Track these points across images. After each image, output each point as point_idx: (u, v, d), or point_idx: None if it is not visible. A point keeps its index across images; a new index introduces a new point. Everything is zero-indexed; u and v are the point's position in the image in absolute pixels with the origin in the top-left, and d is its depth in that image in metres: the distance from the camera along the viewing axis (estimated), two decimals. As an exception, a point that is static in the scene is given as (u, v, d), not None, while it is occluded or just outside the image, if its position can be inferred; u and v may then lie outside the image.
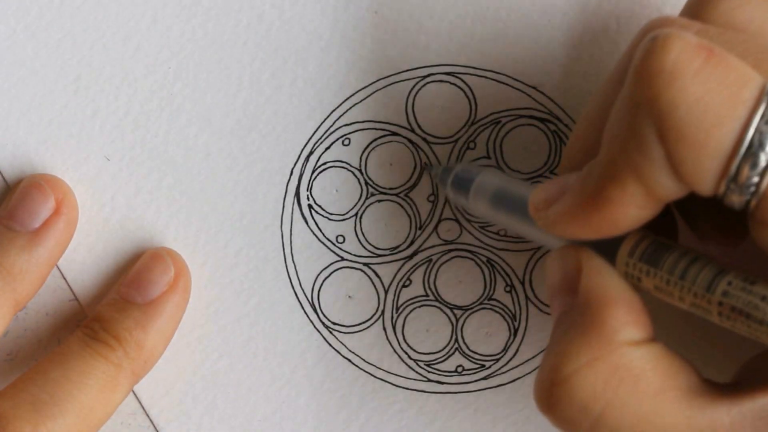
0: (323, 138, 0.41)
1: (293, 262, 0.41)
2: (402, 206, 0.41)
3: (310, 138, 0.41)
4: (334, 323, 0.41)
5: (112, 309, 0.39)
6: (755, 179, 0.28)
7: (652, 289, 0.31)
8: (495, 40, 0.40)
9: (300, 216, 0.41)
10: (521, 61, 0.40)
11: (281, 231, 0.41)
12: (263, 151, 0.41)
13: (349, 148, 0.41)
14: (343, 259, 0.41)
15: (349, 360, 0.41)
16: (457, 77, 0.41)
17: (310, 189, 0.41)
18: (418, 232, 0.41)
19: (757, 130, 0.28)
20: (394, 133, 0.41)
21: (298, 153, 0.41)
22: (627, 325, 0.31)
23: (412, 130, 0.41)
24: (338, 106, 0.41)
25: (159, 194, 0.41)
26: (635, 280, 0.32)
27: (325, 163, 0.41)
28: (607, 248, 0.32)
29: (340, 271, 0.41)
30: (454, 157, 0.41)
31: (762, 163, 0.28)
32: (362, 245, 0.41)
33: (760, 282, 0.29)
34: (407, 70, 0.40)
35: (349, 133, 0.41)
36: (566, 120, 0.40)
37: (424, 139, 0.41)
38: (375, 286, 0.41)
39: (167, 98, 0.41)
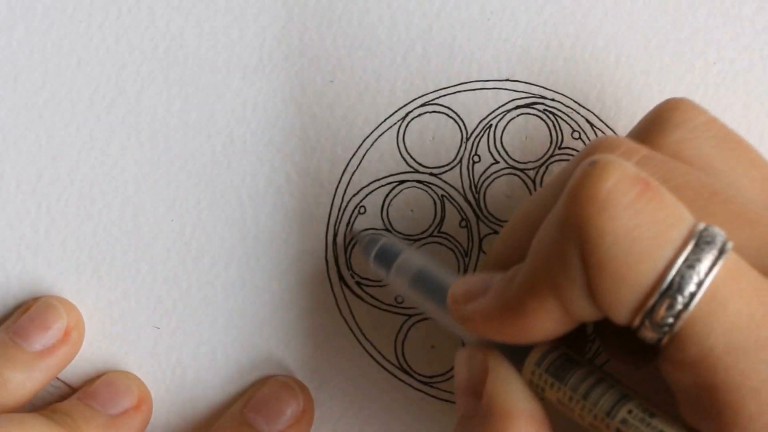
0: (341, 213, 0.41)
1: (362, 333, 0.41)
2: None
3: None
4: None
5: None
6: (670, 320, 0.28)
7: (554, 402, 0.32)
8: (450, 57, 0.40)
9: (352, 294, 0.41)
10: (483, 62, 0.40)
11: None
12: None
13: (366, 216, 0.41)
14: (410, 316, 0.41)
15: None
16: (434, 104, 0.41)
17: (350, 264, 0.41)
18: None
19: (678, 272, 0.28)
20: (402, 181, 0.41)
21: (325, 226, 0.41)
22: None
23: (416, 171, 0.41)
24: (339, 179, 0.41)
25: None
26: (539, 390, 0.32)
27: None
28: (516, 352, 0.32)
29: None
30: (465, 178, 0.41)
31: (678, 305, 0.28)
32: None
33: (659, 416, 0.30)
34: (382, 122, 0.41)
35: (362, 200, 0.41)
36: (550, 95, 0.41)
37: (432, 174, 0.41)
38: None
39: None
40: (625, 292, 0.28)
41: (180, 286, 0.41)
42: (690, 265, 0.28)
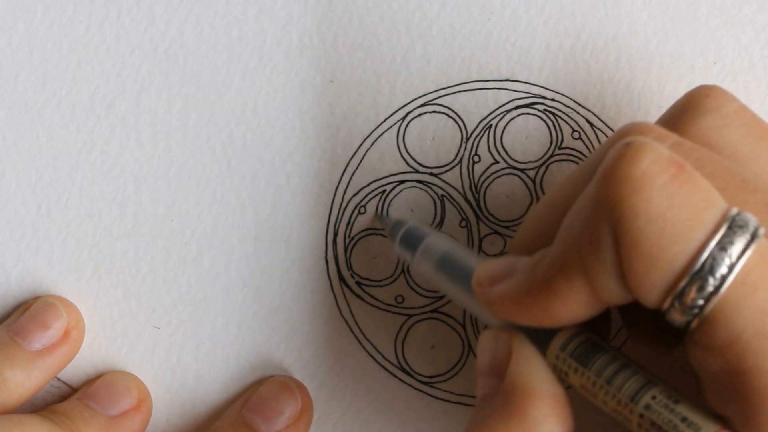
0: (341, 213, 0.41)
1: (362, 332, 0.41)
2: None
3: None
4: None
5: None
6: (700, 302, 0.28)
7: (577, 387, 0.32)
8: (450, 57, 0.41)
9: (352, 293, 0.41)
10: (483, 62, 0.40)
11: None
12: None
13: (366, 216, 0.41)
14: (410, 316, 0.41)
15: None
16: (434, 104, 0.41)
17: (350, 264, 0.41)
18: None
19: (710, 254, 0.28)
20: (402, 181, 0.41)
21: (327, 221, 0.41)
22: (549, 417, 0.31)
23: (416, 171, 0.41)
24: (339, 180, 0.41)
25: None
26: (563, 374, 0.32)
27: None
28: (540, 336, 0.32)
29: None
30: (465, 178, 0.41)
31: (709, 287, 0.28)
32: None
33: (684, 402, 0.30)
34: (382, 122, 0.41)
35: (362, 200, 0.41)
36: (550, 95, 0.41)
37: (432, 174, 0.41)
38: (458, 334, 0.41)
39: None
40: (656, 272, 0.28)
41: (180, 286, 0.41)
42: (722, 247, 0.28)
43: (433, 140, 0.41)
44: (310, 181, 0.41)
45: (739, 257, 0.28)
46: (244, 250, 0.41)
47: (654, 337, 0.33)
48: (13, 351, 0.39)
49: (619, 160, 0.29)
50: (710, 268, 0.28)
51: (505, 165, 0.41)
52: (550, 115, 0.41)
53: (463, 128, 0.41)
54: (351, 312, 0.41)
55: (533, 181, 0.41)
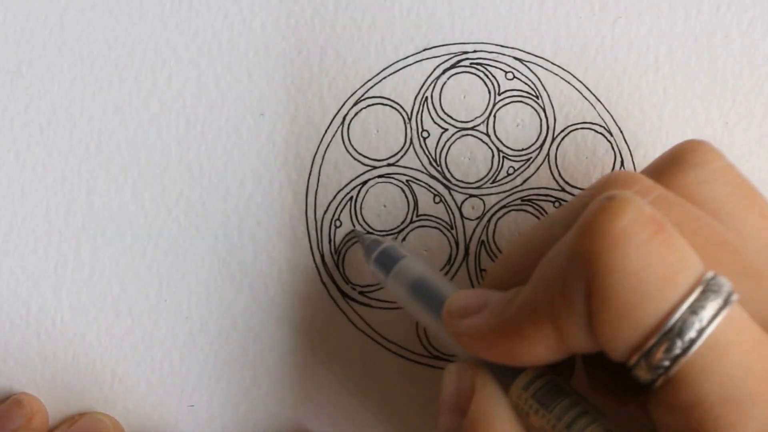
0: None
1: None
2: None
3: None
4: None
5: None
6: (666, 363, 0.28)
7: (537, 428, 0.31)
8: (363, 48, 0.40)
9: (359, 304, 0.41)
10: (396, 41, 0.40)
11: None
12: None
13: (343, 228, 0.41)
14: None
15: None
16: (366, 99, 0.41)
17: (347, 278, 0.41)
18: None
19: (681, 317, 0.28)
20: (365, 182, 0.41)
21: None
22: None
23: (374, 167, 0.41)
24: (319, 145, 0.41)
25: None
26: (524, 414, 0.32)
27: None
28: (505, 372, 0.32)
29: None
30: (423, 156, 0.41)
31: (677, 349, 0.28)
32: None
33: None
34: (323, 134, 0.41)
35: (334, 215, 0.41)
36: (471, 48, 0.41)
37: (389, 164, 0.41)
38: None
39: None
40: (625, 329, 0.28)
41: (198, 360, 0.41)
42: (694, 311, 0.28)
43: (378, 132, 0.41)
44: (279, 216, 0.41)
45: (710, 322, 0.28)
46: (244, 304, 0.41)
47: (613, 386, 0.33)
48: None
49: (599, 214, 0.29)
50: (679, 330, 0.28)
51: (455, 129, 0.41)
52: (479, 67, 0.41)
53: (401, 110, 0.41)
54: (365, 322, 0.41)
55: (487, 135, 0.41)
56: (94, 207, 0.41)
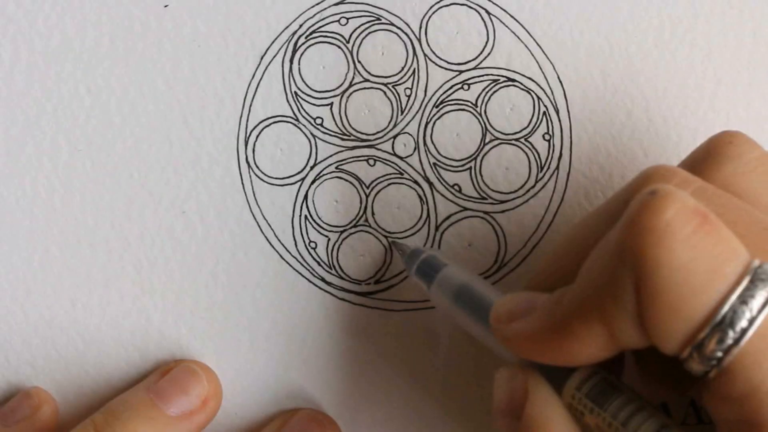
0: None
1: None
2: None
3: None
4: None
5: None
6: (719, 353, 0.28)
7: (593, 427, 0.31)
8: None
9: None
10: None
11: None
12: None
13: (319, 248, 0.42)
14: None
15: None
16: (256, 131, 0.41)
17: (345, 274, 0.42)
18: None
19: (731, 307, 0.28)
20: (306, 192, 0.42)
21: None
22: None
23: (301, 179, 0.42)
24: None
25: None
26: (578, 414, 0.32)
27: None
28: (556, 374, 0.32)
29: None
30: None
31: (729, 340, 0.28)
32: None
33: None
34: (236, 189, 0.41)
35: (307, 239, 0.42)
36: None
37: (311, 168, 0.41)
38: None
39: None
40: (676, 323, 0.28)
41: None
42: (743, 300, 0.28)
43: (282, 151, 0.41)
44: (247, 271, 0.42)
45: (760, 310, 0.28)
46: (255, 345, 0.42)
47: (665, 379, 0.33)
48: (152, 413, 0.40)
49: (643, 209, 0.29)
50: (731, 320, 0.28)
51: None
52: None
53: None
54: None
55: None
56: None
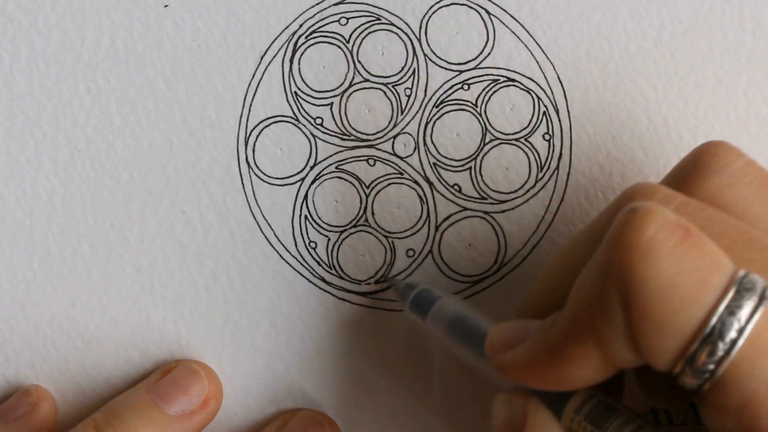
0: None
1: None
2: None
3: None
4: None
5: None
6: (711, 366, 0.28)
7: None
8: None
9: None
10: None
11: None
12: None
13: (319, 249, 0.42)
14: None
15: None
16: (261, 127, 0.41)
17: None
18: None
19: (719, 318, 0.28)
20: (305, 194, 0.42)
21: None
22: None
23: (301, 178, 0.42)
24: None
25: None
26: None
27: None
28: (554, 399, 0.32)
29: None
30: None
31: (720, 351, 0.28)
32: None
33: None
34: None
35: (307, 239, 0.42)
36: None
37: (312, 167, 0.41)
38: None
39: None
40: (666, 338, 0.28)
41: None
42: (731, 311, 0.28)
43: (282, 151, 0.41)
44: (250, 272, 0.42)
45: (748, 320, 0.28)
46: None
47: (667, 391, 0.33)
48: (153, 413, 0.40)
49: (625, 226, 0.29)
50: (720, 332, 0.28)
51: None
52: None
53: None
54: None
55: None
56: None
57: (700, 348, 0.28)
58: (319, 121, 0.41)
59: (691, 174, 0.33)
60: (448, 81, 0.40)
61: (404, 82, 0.40)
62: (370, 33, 0.40)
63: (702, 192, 0.33)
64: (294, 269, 0.41)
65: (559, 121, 0.40)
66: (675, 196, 0.32)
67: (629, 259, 0.28)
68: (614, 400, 0.32)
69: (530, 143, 0.40)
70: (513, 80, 0.40)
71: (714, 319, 0.28)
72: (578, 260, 0.32)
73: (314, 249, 0.41)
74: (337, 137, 0.41)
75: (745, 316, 0.28)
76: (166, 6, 0.41)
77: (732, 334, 0.28)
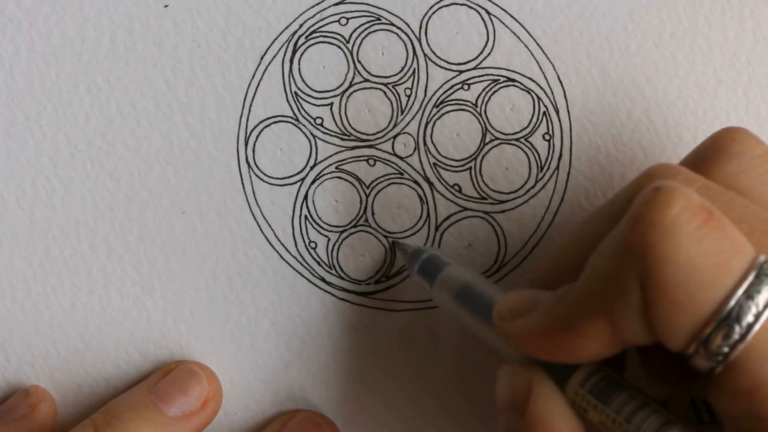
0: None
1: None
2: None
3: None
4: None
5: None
6: (725, 349, 0.28)
7: (596, 424, 0.31)
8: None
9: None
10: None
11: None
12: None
13: (319, 248, 0.42)
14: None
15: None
16: (259, 129, 0.41)
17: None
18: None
19: (737, 302, 0.28)
20: (305, 195, 0.42)
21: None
22: None
23: (301, 178, 0.42)
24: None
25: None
26: (582, 411, 0.32)
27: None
28: (560, 371, 0.32)
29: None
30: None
31: (735, 335, 0.28)
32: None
33: None
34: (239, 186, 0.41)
35: (307, 239, 0.42)
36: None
37: (311, 168, 0.41)
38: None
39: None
40: (683, 319, 0.28)
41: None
42: (749, 296, 0.28)
43: (282, 151, 0.41)
44: (249, 273, 0.42)
45: (766, 306, 0.28)
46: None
47: (668, 375, 0.33)
48: (152, 414, 0.40)
49: (649, 205, 0.29)
50: (737, 316, 0.28)
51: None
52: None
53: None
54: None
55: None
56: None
57: (716, 330, 0.28)
58: (319, 121, 0.41)
59: (710, 157, 0.33)
60: (448, 81, 0.40)
61: (404, 82, 0.40)
62: (370, 33, 0.40)
63: (720, 176, 0.33)
64: (294, 269, 0.41)
65: (559, 121, 0.40)
66: (696, 178, 0.32)
67: (651, 237, 0.28)
68: (619, 375, 0.32)
69: (530, 143, 0.40)
70: (513, 80, 0.40)
71: (732, 303, 0.28)
72: (594, 236, 0.32)
73: (314, 249, 0.41)
74: (337, 137, 0.41)
75: (764, 301, 0.28)
76: (166, 6, 0.41)
77: (749, 318, 0.28)
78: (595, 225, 0.33)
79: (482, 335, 0.36)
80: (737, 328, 0.28)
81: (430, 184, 0.41)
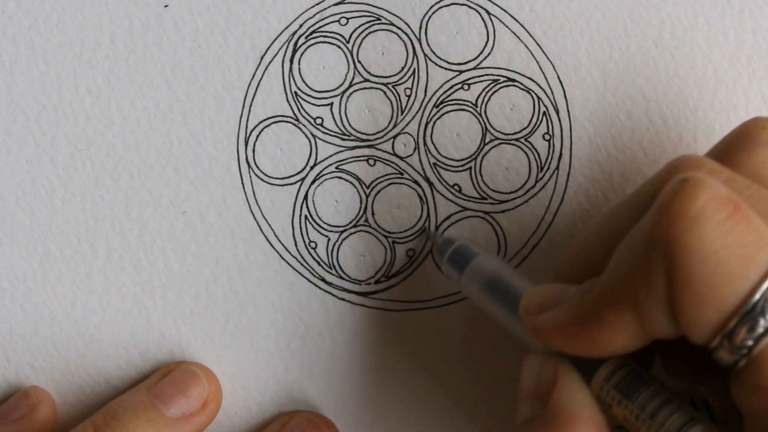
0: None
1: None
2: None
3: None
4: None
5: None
6: (749, 342, 0.28)
7: (620, 419, 0.31)
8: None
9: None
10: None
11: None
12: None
13: (319, 249, 0.42)
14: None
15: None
16: (257, 132, 0.41)
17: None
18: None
19: (763, 296, 0.28)
20: (305, 195, 0.42)
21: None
22: None
23: (301, 177, 0.42)
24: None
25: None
26: (606, 406, 0.31)
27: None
28: (585, 365, 0.32)
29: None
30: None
31: (760, 329, 0.28)
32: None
33: None
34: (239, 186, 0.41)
35: (306, 240, 0.42)
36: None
37: (311, 169, 0.41)
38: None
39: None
40: (707, 311, 0.28)
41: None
42: None
43: (282, 151, 0.41)
44: (252, 274, 0.42)
45: None
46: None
47: (688, 368, 0.33)
48: (152, 414, 0.40)
49: (675, 196, 0.28)
50: (762, 309, 0.28)
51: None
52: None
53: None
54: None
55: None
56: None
57: (740, 324, 0.28)
58: (319, 121, 0.41)
59: (739, 146, 0.33)
60: (448, 81, 0.40)
61: (404, 82, 0.40)
62: (370, 33, 0.40)
63: (749, 164, 0.33)
64: (294, 269, 0.41)
65: (559, 121, 0.40)
66: (721, 170, 0.31)
67: (677, 229, 0.28)
68: (644, 370, 0.32)
69: (530, 143, 0.40)
70: (513, 80, 0.40)
71: (757, 296, 0.28)
72: (619, 228, 0.32)
73: (314, 249, 0.41)
74: (337, 137, 0.41)
75: None
76: (166, 6, 0.41)
77: None
78: (619, 218, 0.33)
79: (509, 326, 0.36)
80: (762, 322, 0.28)
81: (430, 184, 0.41)
